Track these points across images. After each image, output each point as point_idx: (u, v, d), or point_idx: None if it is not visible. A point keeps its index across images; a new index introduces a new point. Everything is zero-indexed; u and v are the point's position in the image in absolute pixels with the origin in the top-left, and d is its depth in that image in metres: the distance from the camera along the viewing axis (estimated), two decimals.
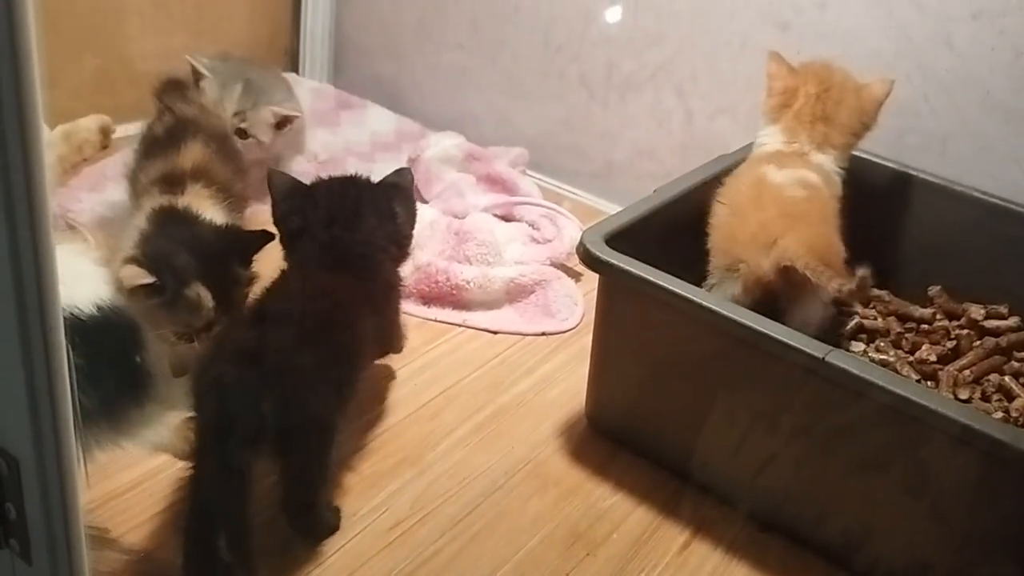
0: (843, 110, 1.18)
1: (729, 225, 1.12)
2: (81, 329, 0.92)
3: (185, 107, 1.29)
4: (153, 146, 1.23)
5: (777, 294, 1.07)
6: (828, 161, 1.18)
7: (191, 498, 0.84)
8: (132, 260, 0.99)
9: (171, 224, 1.07)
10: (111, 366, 0.92)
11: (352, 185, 1.05)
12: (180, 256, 1.01)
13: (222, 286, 1.02)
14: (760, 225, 1.07)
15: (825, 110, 1.18)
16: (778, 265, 1.03)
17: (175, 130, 1.23)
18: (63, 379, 0.55)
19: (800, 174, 1.13)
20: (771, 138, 1.20)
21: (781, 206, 1.09)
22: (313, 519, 0.92)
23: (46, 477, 0.56)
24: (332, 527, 0.94)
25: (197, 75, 1.42)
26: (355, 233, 1.00)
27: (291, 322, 0.86)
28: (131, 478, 0.98)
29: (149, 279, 0.97)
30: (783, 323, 0.96)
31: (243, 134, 1.43)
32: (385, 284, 1.03)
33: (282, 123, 1.47)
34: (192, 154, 1.17)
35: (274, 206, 1.04)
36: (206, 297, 1.01)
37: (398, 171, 1.07)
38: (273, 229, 1.05)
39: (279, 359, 0.83)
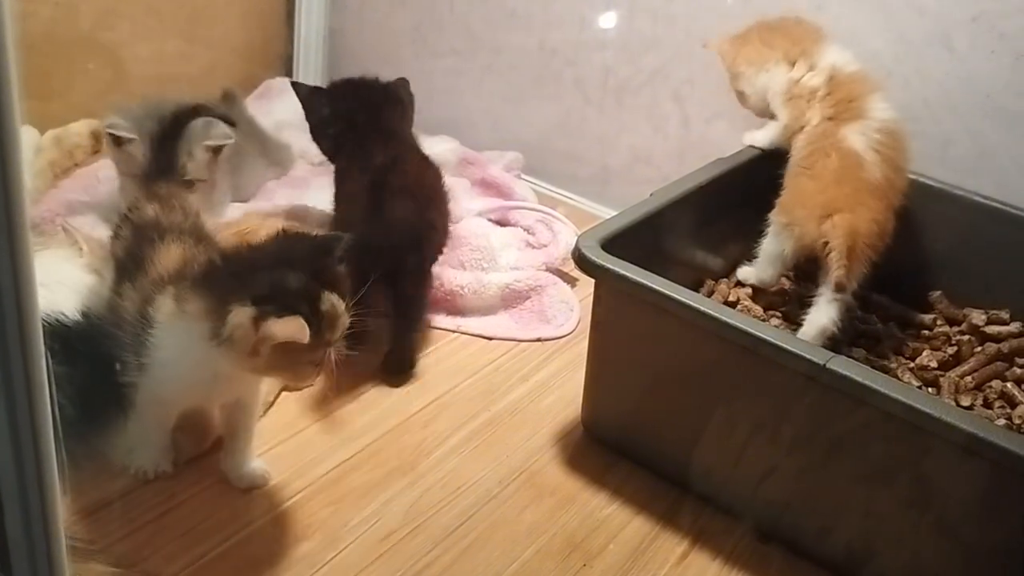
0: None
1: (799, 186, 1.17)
2: (65, 336, 0.91)
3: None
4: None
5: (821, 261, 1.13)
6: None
7: None
8: (264, 315, 0.79)
9: (252, 254, 0.88)
10: (96, 374, 0.91)
11: (369, 83, 1.30)
12: (290, 276, 0.83)
13: (339, 286, 0.86)
14: (828, 197, 1.12)
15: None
16: (823, 238, 1.10)
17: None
18: (42, 390, 0.54)
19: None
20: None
21: (855, 182, 1.13)
22: (406, 355, 1.21)
23: (26, 490, 0.54)
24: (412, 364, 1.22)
25: (120, 141, 1.27)
26: (390, 118, 1.27)
27: (410, 195, 1.15)
28: (117, 488, 0.96)
29: (306, 334, 0.79)
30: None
31: (189, 185, 1.24)
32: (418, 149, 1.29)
33: (217, 151, 1.34)
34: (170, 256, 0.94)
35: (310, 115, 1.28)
36: (338, 301, 0.84)
37: (399, 79, 1.31)
38: None
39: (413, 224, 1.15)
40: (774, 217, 1.17)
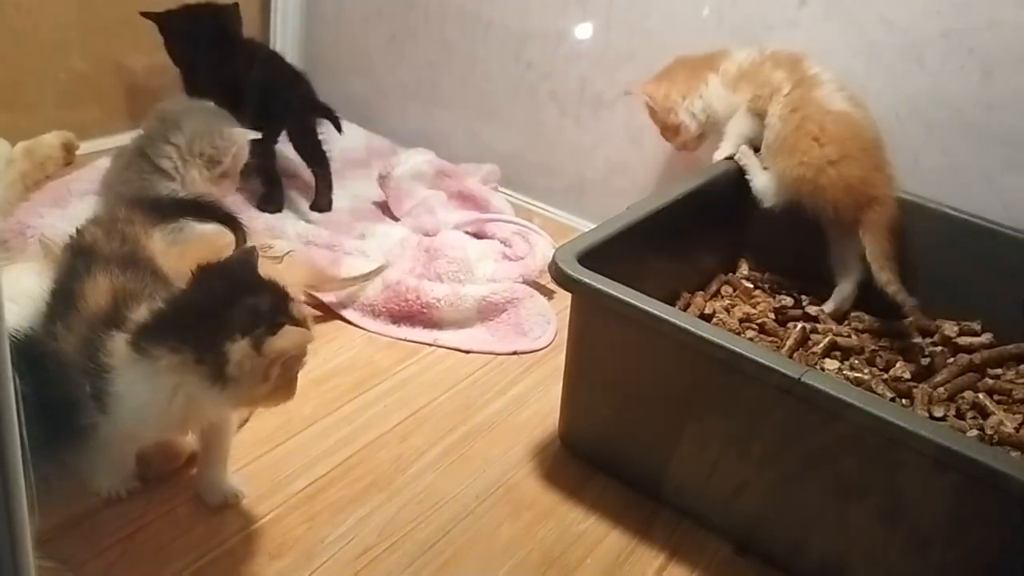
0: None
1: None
2: (36, 350, 0.89)
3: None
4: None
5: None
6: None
7: None
8: (260, 339, 0.80)
9: (198, 294, 0.85)
10: (68, 389, 0.89)
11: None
12: (256, 299, 0.83)
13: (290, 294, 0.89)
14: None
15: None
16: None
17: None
18: (9, 408, 0.52)
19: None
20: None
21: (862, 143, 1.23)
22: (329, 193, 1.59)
23: None
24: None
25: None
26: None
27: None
28: (87, 507, 0.95)
29: (307, 331, 0.84)
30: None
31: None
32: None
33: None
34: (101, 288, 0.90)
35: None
36: (302, 307, 0.87)
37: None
38: None
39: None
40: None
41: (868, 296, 1.28)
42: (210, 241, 1.29)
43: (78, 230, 1.01)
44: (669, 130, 1.38)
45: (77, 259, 0.95)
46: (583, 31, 1.56)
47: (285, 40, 1.85)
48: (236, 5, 1.53)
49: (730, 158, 1.31)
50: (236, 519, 0.96)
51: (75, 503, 0.95)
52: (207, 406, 0.85)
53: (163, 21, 1.49)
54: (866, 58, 1.30)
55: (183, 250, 1.23)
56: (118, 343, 0.84)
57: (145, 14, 1.48)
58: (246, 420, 1.09)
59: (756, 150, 1.30)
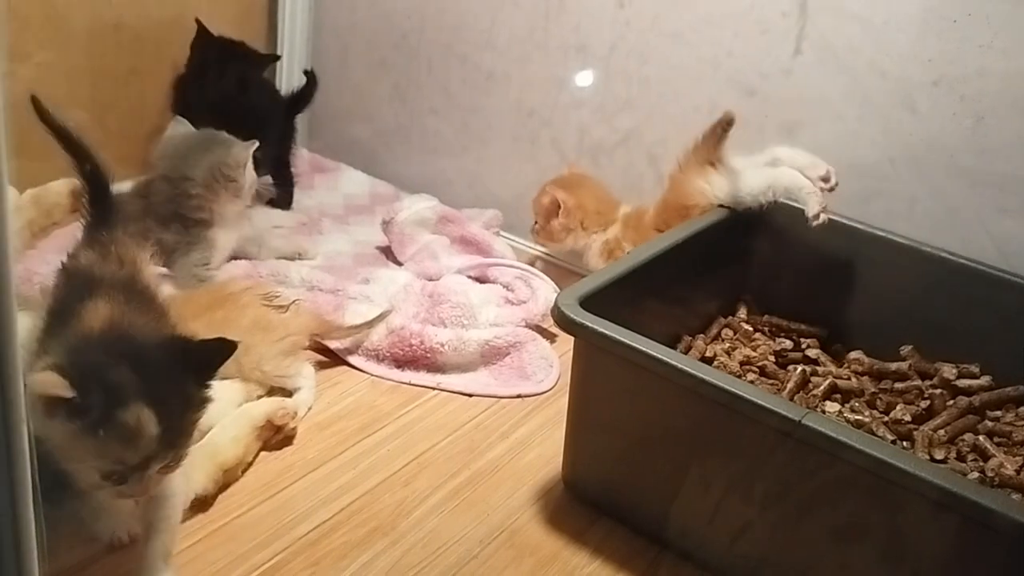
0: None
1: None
2: None
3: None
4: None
5: None
6: None
7: None
8: (52, 367, 0.77)
9: (109, 336, 0.85)
10: None
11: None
12: (116, 370, 0.80)
13: (171, 410, 0.81)
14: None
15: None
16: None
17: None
18: (23, 457, 0.53)
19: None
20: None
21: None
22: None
23: (2, 553, 0.54)
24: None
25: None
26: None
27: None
28: (88, 554, 0.95)
29: (68, 393, 0.75)
30: None
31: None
32: None
33: None
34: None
35: None
36: (149, 422, 0.78)
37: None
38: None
39: None
40: None
41: (866, 339, 1.30)
42: (220, 287, 1.31)
43: (70, 255, 1.02)
44: (553, 237, 1.51)
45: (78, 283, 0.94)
46: (583, 79, 1.59)
47: (291, 87, 1.87)
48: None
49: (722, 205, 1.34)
50: (239, 565, 0.96)
51: (78, 549, 0.95)
52: None
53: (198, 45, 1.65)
54: (860, 105, 1.33)
55: (189, 296, 1.25)
56: None
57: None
58: (250, 464, 1.10)
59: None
